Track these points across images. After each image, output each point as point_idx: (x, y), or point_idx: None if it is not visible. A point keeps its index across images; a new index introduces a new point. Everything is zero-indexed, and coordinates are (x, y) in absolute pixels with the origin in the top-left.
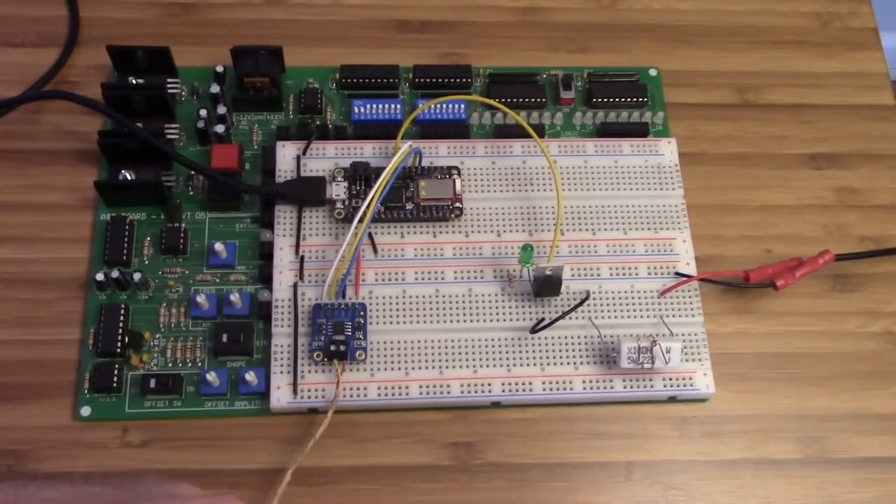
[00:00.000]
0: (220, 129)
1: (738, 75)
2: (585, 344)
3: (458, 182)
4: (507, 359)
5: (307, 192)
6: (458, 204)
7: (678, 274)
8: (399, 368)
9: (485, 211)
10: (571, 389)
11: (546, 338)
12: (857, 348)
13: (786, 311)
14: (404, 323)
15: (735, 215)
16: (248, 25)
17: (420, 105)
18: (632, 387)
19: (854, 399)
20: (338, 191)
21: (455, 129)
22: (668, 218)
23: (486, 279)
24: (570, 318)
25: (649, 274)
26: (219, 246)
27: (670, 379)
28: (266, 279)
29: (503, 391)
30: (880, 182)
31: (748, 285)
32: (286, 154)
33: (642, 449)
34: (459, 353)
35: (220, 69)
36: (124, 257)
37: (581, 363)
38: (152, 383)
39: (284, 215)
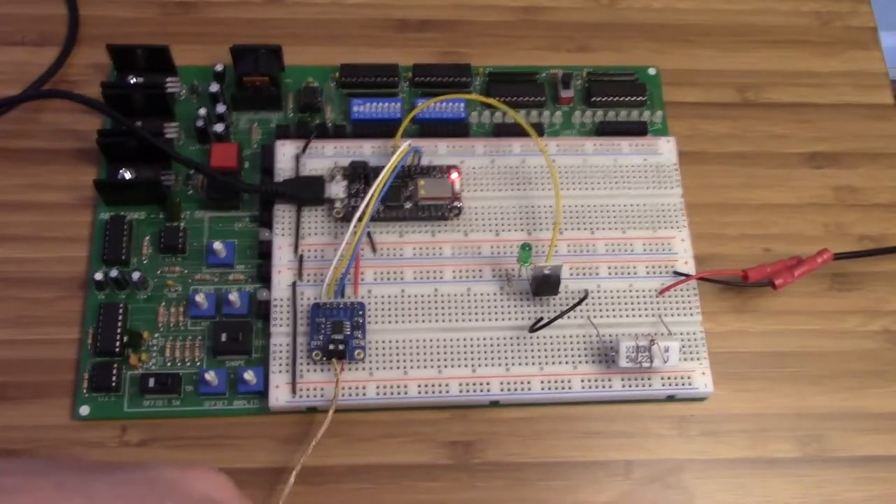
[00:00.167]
0: (219, 128)
1: (737, 74)
2: (584, 343)
3: (457, 181)
4: (506, 358)
5: (306, 191)
6: (456, 203)
7: (677, 273)
8: (398, 367)
9: (484, 210)
10: (570, 388)
11: (545, 337)
12: (855, 347)
13: (785, 310)
14: (403, 322)
15: (735, 214)
16: (247, 24)
17: (419, 104)
18: (630, 386)
19: (853, 398)
20: (337, 190)
21: (454, 128)
22: (667, 217)
23: (484, 278)
24: (568, 318)
25: (648, 273)
26: (218, 245)
27: (669, 378)
28: (265, 278)
29: (502, 390)
30: (879, 181)
31: (747, 284)
32: (285, 153)
33: (641, 448)
34: (458, 353)
35: (219, 68)
36: (123, 256)
37: (580, 362)
38: (151, 382)
39: (283, 214)
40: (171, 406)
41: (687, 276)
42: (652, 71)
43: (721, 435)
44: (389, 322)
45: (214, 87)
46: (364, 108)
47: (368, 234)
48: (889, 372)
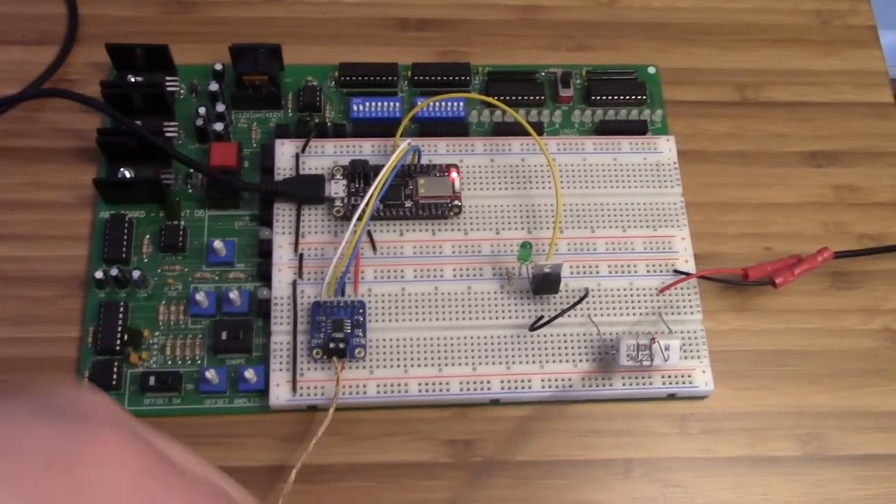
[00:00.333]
0: (218, 126)
1: (737, 73)
2: (584, 341)
3: (456, 180)
4: (506, 356)
5: (306, 190)
6: (456, 202)
7: (677, 271)
8: (398, 366)
9: (484, 209)
10: (570, 387)
11: (545, 335)
12: (855, 346)
13: (785, 309)
14: (403, 320)
15: (735, 213)
16: (246, 23)
17: (419, 103)
18: (631, 384)
19: (853, 396)
20: (337, 188)
21: (454, 127)
22: (667, 215)
23: (485, 277)
24: (569, 316)
25: (648, 271)
26: (218, 244)
27: (669, 376)
28: (265, 277)
29: (502, 389)
30: (879, 180)
31: (747, 283)
32: (285, 152)
33: (641, 446)
34: (458, 351)
35: (218, 67)
36: (123, 255)
37: (580, 361)
38: (151, 381)
39: (283, 213)
40: (171, 404)
41: (687, 274)
42: (652, 70)
43: (721, 433)
44: (390, 320)
45: (214, 87)
46: (364, 108)
47: (368, 233)
48: (889, 370)
